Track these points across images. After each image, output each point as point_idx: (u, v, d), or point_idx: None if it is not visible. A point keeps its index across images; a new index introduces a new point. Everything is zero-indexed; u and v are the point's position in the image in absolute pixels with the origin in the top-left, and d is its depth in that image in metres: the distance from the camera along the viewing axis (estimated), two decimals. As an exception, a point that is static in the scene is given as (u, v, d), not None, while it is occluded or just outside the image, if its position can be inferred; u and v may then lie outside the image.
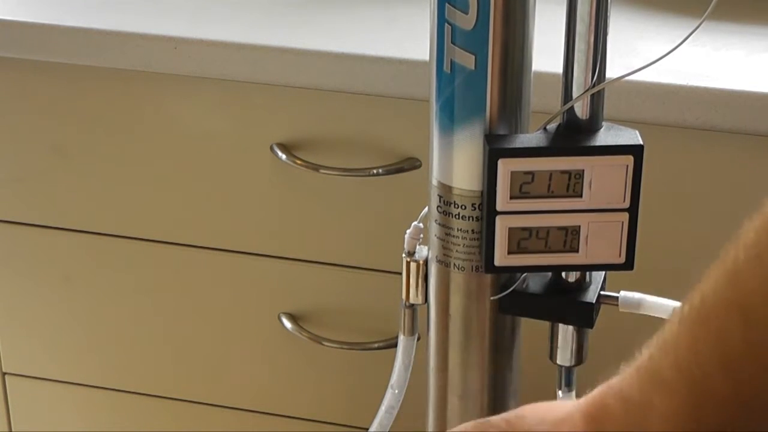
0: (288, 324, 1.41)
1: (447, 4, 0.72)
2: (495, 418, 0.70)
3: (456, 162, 0.76)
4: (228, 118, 1.35)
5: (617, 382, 0.63)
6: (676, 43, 0.72)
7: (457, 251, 0.78)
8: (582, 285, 0.80)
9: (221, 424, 1.52)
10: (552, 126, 0.76)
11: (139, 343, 1.50)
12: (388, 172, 1.30)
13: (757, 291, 0.53)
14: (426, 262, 0.82)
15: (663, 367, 0.59)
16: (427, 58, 0.76)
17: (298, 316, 1.42)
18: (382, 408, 0.86)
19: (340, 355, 1.41)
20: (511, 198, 0.74)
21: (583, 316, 0.80)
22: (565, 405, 0.67)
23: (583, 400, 0.65)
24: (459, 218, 0.77)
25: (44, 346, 1.54)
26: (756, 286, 0.53)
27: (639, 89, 1.18)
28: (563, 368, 0.82)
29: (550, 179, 0.74)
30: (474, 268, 0.78)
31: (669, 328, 0.60)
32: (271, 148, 1.33)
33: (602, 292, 0.80)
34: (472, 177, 0.76)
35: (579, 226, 0.75)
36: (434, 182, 0.78)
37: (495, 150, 0.73)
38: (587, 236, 0.75)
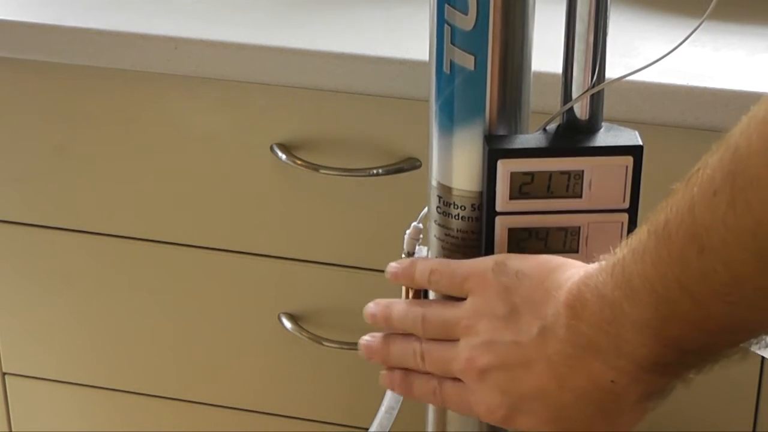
0: (288, 324, 1.41)
1: (446, 5, 0.72)
2: (510, 268, 0.71)
3: (455, 162, 0.76)
4: (228, 118, 1.35)
5: (595, 275, 0.66)
6: (676, 43, 0.72)
7: (456, 252, 0.78)
8: (582, 285, 0.80)
9: (221, 424, 1.52)
10: (552, 126, 0.76)
11: (139, 343, 1.50)
12: (388, 172, 1.30)
13: (710, 226, 0.56)
14: (426, 262, 0.82)
15: (633, 273, 0.62)
16: (426, 58, 0.76)
17: (298, 316, 1.42)
18: (382, 408, 0.86)
19: (340, 355, 1.41)
20: (510, 198, 0.74)
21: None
22: (559, 279, 0.69)
23: (567, 287, 0.67)
24: (458, 219, 0.77)
25: (44, 346, 1.54)
26: (709, 222, 0.57)
27: (639, 89, 1.18)
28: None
29: (549, 180, 0.74)
30: (474, 269, 0.78)
31: (639, 235, 0.63)
32: (271, 148, 1.33)
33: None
34: (472, 177, 0.76)
35: (579, 227, 0.75)
36: (434, 183, 0.78)
37: (494, 150, 0.73)
38: (587, 237, 0.75)
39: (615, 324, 0.64)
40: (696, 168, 0.59)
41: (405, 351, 0.77)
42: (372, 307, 0.80)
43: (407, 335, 0.78)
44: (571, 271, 0.69)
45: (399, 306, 0.79)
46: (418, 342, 0.77)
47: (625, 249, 0.64)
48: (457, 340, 0.74)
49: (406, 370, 0.78)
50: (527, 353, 0.69)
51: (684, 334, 0.62)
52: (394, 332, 0.79)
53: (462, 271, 0.74)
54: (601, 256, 0.67)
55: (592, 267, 0.67)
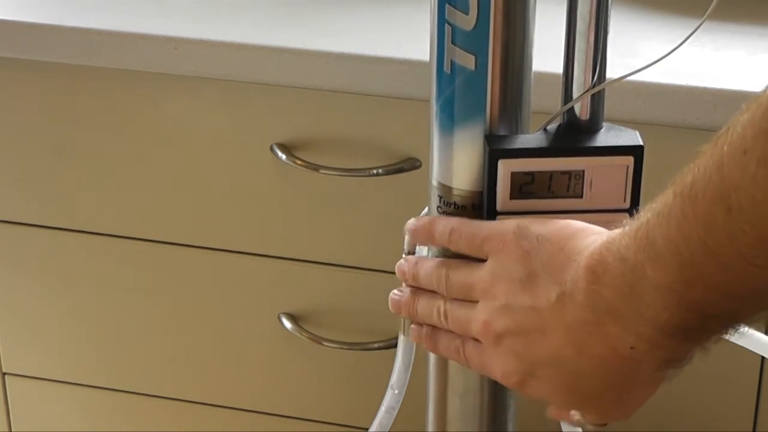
0: (288, 324, 1.41)
1: (447, 5, 0.72)
2: (531, 232, 0.71)
3: (456, 162, 0.76)
4: (228, 118, 1.35)
5: (617, 239, 0.65)
6: (676, 43, 0.72)
7: (456, 252, 0.78)
8: (582, 285, 0.80)
9: (221, 424, 1.52)
10: (552, 126, 0.76)
11: (139, 343, 1.50)
12: (388, 172, 1.30)
13: (739, 185, 0.56)
14: (426, 262, 0.82)
15: (657, 236, 0.61)
16: (427, 58, 0.76)
17: (298, 316, 1.42)
18: (382, 408, 0.86)
19: (340, 355, 1.41)
20: (511, 198, 0.74)
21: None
22: (580, 244, 0.68)
23: (588, 252, 0.66)
24: (459, 219, 0.77)
25: (44, 346, 1.54)
26: (738, 181, 0.56)
27: (639, 89, 1.18)
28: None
29: (550, 180, 0.74)
30: (474, 269, 0.78)
31: (664, 197, 0.62)
32: (271, 148, 1.33)
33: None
34: (473, 177, 0.76)
35: (579, 227, 0.75)
36: (434, 183, 0.78)
37: (495, 151, 0.73)
38: (587, 237, 0.75)
39: (637, 288, 0.63)
40: (725, 128, 0.58)
41: (430, 308, 0.77)
42: (403, 263, 0.80)
43: (433, 293, 0.78)
44: (593, 237, 0.68)
45: (426, 264, 0.78)
46: (442, 300, 0.77)
47: (649, 212, 0.63)
48: (477, 301, 0.73)
49: (433, 328, 0.78)
50: (544, 319, 0.69)
51: (707, 298, 0.61)
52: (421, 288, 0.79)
53: (483, 233, 0.74)
54: (624, 221, 0.66)
55: (615, 231, 0.66)
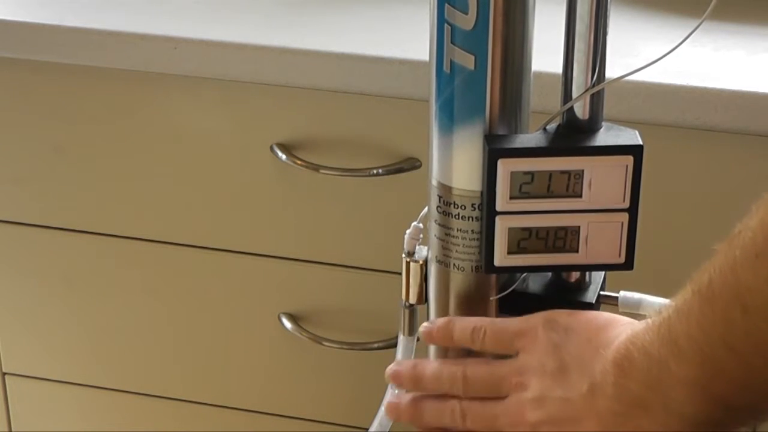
0: (288, 324, 1.41)
1: (447, 5, 0.72)
2: (559, 324, 0.73)
3: (456, 162, 0.76)
4: (228, 118, 1.35)
5: (642, 334, 0.67)
6: (676, 43, 0.72)
7: (456, 251, 0.78)
8: (582, 285, 0.80)
9: (221, 424, 1.52)
10: (552, 126, 0.76)
11: (139, 343, 1.50)
12: (388, 172, 1.30)
13: (753, 287, 0.58)
14: (426, 262, 0.82)
15: (678, 333, 0.64)
16: (427, 58, 0.76)
17: (298, 316, 1.42)
18: (382, 408, 0.86)
19: (340, 355, 1.41)
20: (510, 198, 0.74)
21: (583, 316, 0.80)
22: (607, 337, 0.70)
23: (615, 346, 0.69)
24: (459, 218, 0.77)
25: (44, 346, 1.54)
26: (752, 283, 0.58)
27: (639, 89, 1.18)
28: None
29: (549, 179, 0.74)
30: (474, 269, 0.78)
31: (684, 295, 0.64)
32: (271, 148, 1.33)
33: (602, 292, 0.80)
34: (472, 177, 0.76)
35: (579, 227, 0.75)
36: (434, 182, 0.78)
37: (495, 150, 0.73)
38: (587, 236, 0.75)
39: (662, 382, 0.65)
40: (737, 230, 0.61)
41: (441, 411, 0.78)
42: (397, 368, 0.80)
43: (440, 396, 0.78)
44: (619, 329, 0.70)
45: (432, 366, 0.79)
46: (456, 401, 0.77)
47: (670, 309, 0.65)
48: (504, 397, 0.74)
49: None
50: (577, 409, 0.70)
51: (730, 392, 0.63)
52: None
53: (512, 329, 0.75)
54: (648, 316, 0.68)
55: (639, 326, 0.69)
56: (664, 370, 0.65)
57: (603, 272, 0.81)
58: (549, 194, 0.74)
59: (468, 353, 0.78)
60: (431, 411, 0.78)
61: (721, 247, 0.62)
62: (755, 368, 0.60)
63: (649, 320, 0.68)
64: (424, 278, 0.82)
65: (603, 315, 0.73)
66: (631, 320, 0.71)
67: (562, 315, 0.74)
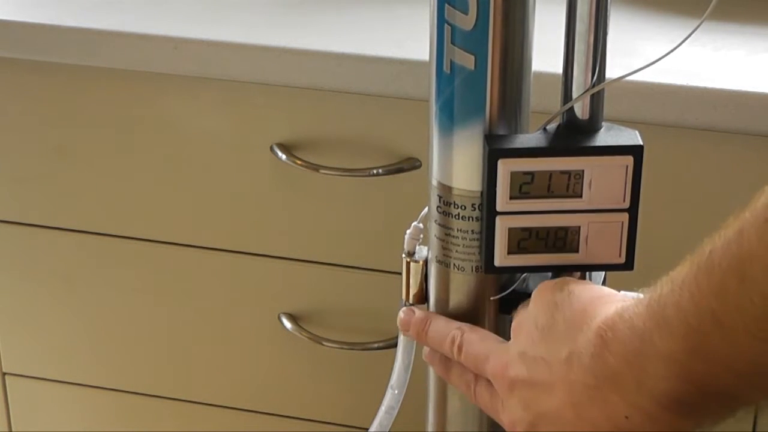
0: (288, 324, 1.41)
1: (447, 5, 0.72)
2: (567, 287, 0.72)
3: (456, 162, 0.76)
4: (228, 118, 1.35)
5: (633, 307, 0.66)
6: (676, 43, 0.72)
7: (456, 251, 0.78)
8: (582, 285, 0.80)
9: (221, 424, 1.52)
10: (552, 126, 0.76)
11: (140, 343, 1.50)
12: (388, 172, 1.30)
13: (755, 253, 0.57)
14: (426, 262, 0.82)
15: (668, 303, 0.63)
16: (427, 58, 0.76)
17: (298, 316, 1.42)
18: (382, 408, 0.86)
19: (340, 355, 1.41)
20: (510, 198, 0.74)
21: (583, 316, 0.80)
22: (600, 309, 0.69)
23: (602, 317, 0.68)
24: (459, 218, 0.77)
25: (44, 346, 1.54)
26: (755, 247, 0.57)
27: (639, 89, 1.18)
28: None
29: (549, 179, 0.74)
30: (474, 269, 0.78)
31: (682, 267, 0.63)
32: (271, 148, 1.33)
33: (602, 293, 0.80)
34: (472, 177, 0.76)
35: (579, 227, 0.75)
36: (434, 182, 0.78)
37: (495, 150, 0.73)
38: (587, 236, 0.75)
39: (641, 356, 0.64)
40: (751, 202, 0.60)
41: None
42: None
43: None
44: (614, 304, 0.69)
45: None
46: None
47: (665, 281, 0.64)
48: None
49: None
50: (552, 375, 0.70)
51: (709, 371, 0.62)
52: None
53: (483, 357, 0.76)
54: (643, 290, 0.67)
55: (632, 299, 0.68)
56: (647, 341, 0.64)
57: (603, 272, 0.81)
58: (549, 194, 0.74)
59: None
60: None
61: (729, 221, 0.61)
62: (739, 346, 0.59)
63: (643, 294, 0.67)
64: (424, 278, 0.82)
65: (608, 290, 0.72)
66: (632, 295, 0.70)
67: (573, 281, 0.74)
